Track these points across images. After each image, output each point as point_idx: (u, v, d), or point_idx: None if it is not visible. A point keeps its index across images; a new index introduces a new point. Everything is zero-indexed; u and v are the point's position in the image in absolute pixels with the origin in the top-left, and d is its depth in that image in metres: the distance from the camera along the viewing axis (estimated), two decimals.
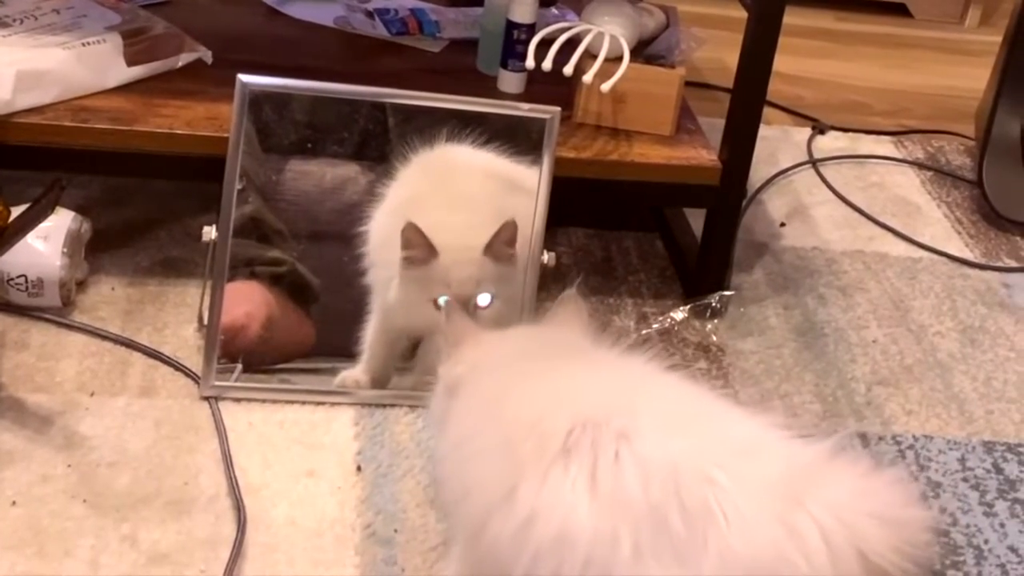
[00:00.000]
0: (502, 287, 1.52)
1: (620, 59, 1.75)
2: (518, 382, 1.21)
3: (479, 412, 1.21)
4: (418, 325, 1.55)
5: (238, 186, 1.59)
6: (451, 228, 1.51)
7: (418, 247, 1.49)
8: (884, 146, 2.48)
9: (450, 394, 1.27)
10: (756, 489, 1.05)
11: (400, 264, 1.51)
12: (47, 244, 1.64)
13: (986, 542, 1.53)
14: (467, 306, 1.47)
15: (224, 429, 1.51)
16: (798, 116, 2.54)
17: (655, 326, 1.81)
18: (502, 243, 1.52)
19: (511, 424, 1.15)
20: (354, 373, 1.61)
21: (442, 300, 1.46)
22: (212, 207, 1.64)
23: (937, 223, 2.23)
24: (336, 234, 1.69)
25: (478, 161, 1.63)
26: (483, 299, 1.50)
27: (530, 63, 1.74)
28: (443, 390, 1.29)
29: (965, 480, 1.62)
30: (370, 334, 1.61)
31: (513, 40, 1.82)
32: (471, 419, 1.22)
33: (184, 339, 1.66)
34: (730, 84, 1.82)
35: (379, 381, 1.61)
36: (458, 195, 1.59)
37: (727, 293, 1.86)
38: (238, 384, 1.58)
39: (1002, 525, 1.56)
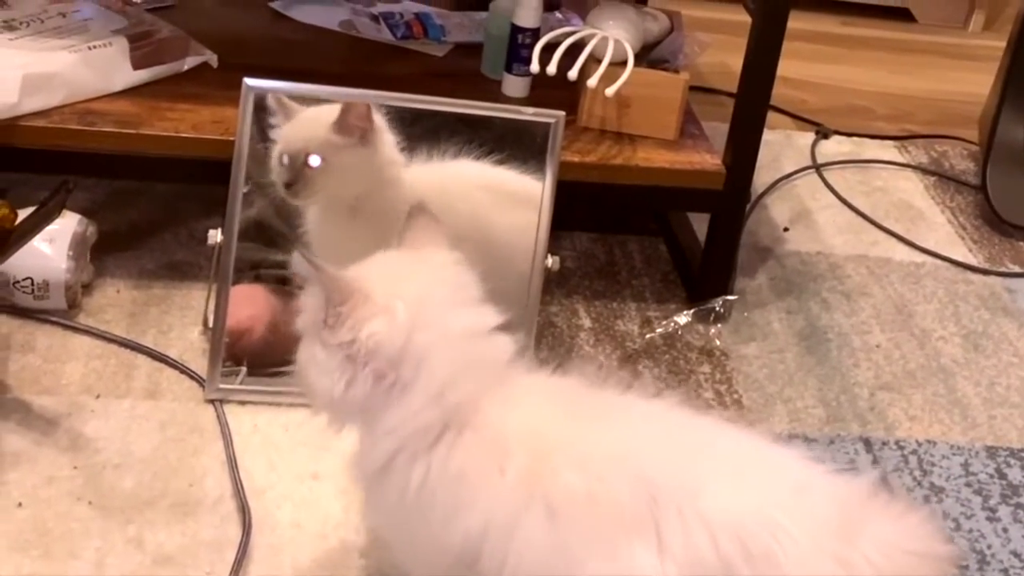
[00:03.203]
0: (340, 156, 1.58)
1: (624, 63, 1.75)
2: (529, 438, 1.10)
3: (483, 475, 1.09)
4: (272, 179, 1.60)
5: (243, 189, 1.59)
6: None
7: (279, 113, 1.60)
8: (888, 151, 2.49)
9: (361, 360, 1.10)
10: (812, 528, 1.05)
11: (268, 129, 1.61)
12: (53, 247, 1.64)
13: (989, 547, 1.53)
14: (296, 161, 1.57)
15: (229, 432, 1.52)
16: (802, 120, 2.55)
17: (659, 330, 1.82)
18: (350, 118, 1.57)
19: (557, 497, 1.06)
20: None
21: (284, 159, 1.56)
22: (217, 210, 1.65)
23: (940, 228, 2.24)
24: None
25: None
26: (314, 160, 1.57)
27: (535, 67, 1.75)
28: (348, 358, 1.11)
29: (968, 485, 1.63)
30: None
31: (518, 44, 1.83)
32: (466, 486, 1.09)
33: (189, 342, 1.67)
34: (734, 88, 1.83)
35: None
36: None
37: (730, 297, 1.86)
38: (243, 387, 1.59)
39: (1005, 530, 1.56)
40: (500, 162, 1.66)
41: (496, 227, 1.67)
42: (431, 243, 1.19)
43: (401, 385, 1.11)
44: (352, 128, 1.58)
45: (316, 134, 1.58)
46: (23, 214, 1.49)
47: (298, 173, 1.57)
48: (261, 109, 1.60)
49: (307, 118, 1.60)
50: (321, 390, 1.14)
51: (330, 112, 1.59)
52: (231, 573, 1.34)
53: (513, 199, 1.68)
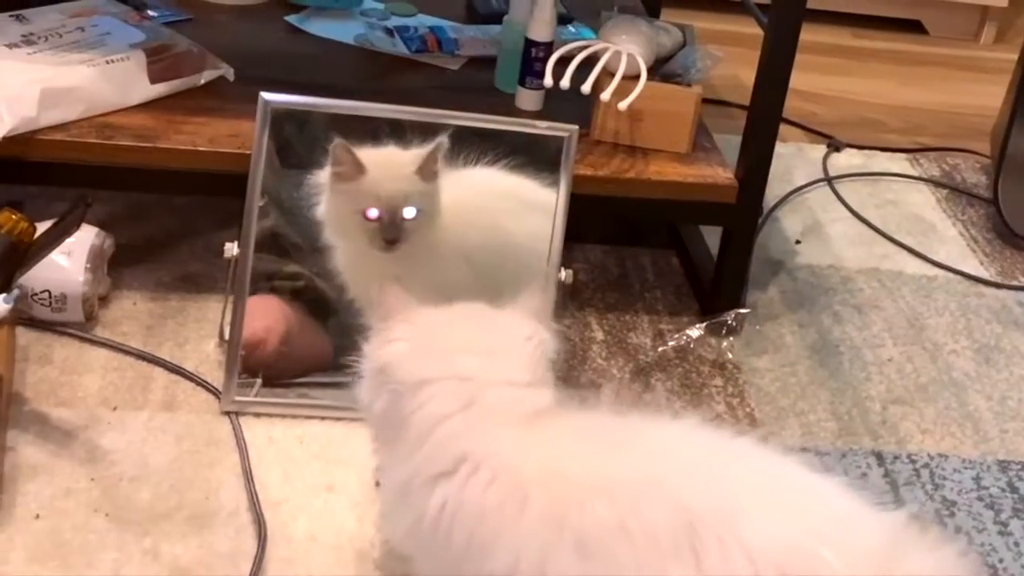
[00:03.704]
0: (426, 201, 1.58)
1: (637, 77, 1.76)
2: (565, 469, 1.09)
3: (502, 516, 1.07)
4: (348, 236, 1.59)
5: (259, 203, 1.60)
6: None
7: (347, 163, 1.55)
8: (899, 164, 2.49)
9: (379, 378, 1.15)
10: (853, 560, 1.02)
11: (328, 179, 1.57)
12: (70, 259, 1.66)
13: (1001, 561, 1.53)
14: (396, 216, 1.54)
15: (244, 444, 1.53)
16: (814, 133, 2.55)
17: (671, 343, 1.82)
18: (432, 162, 1.57)
19: (587, 530, 1.04)
20: None
21: (371, 213, 1.54)
22: (232, 222, 1.66)
23: (952, 241, 2.24)
24: None
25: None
26: (410, 212, 1.55)
27: (548, 81, 1.76)
28: (371, 373, 1.17)
29: (980, 499, 1.63)
30: None
31: (531, 58, 1.84)
32: (492, 517, 1.08)
33: (205, 354, 1.68)
34: (746, 101, 1.83)
35: None
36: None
37: (743, 311, 1.86)
38: (258, 399, 1.60)
39: (1016, 544, 1.56)
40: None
41: (514, 235, 1.68)
42: (529, 310, 1.21)
43: (407, 413, 1.13)
44: (432, 172, 1.58)
45: (410, 185, 1.56)
46: (42, 227, 1.50)
47: (399, 228, 1.55)
48: (276, 123, 1.61)
49: (388, 168, 1.56)
50: (358, 398, 1.20)
51: (405, 158, 1.57)
52: None
53: (531, 207, 1.69)
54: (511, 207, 1.68)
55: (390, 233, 1.55)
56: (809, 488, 1.08)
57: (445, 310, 1.22)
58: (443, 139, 1.58)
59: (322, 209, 1.60)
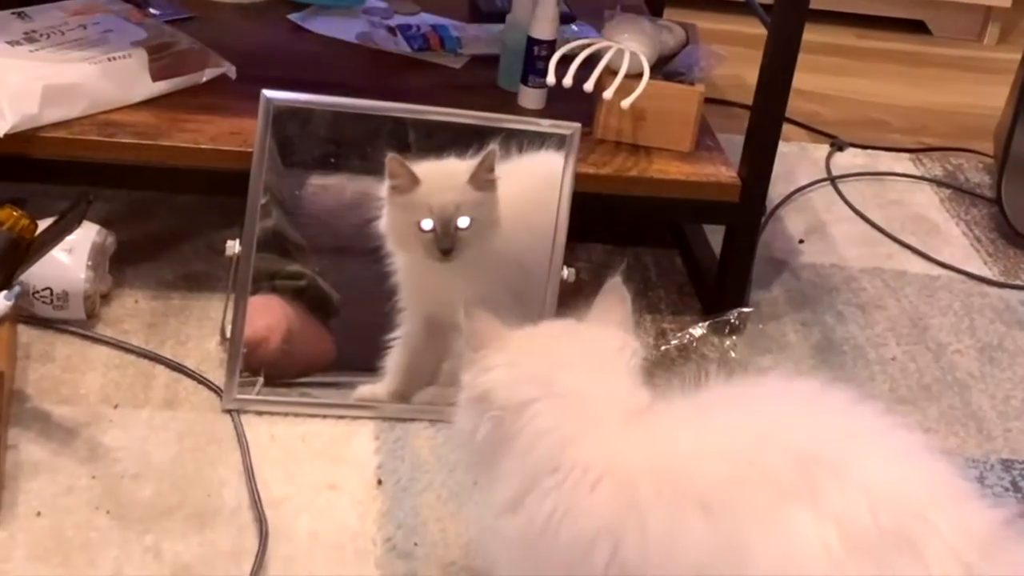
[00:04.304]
0: (481, 211, 1.59)
1: (640, 76, 1.76)
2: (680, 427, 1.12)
3: (616, 512, 1.08)
4: (406, 247, 1.61)
5: (261, 201, 1.60)
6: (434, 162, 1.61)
7: (402, 176, 1.57)
8: (903, 163, 2.49)
9: (479, 406, 1.17)
10: (958, 539, 1.03)
11: (387, 193, 1.59)
12: (72, 257, 1.65)
13: None
14: (449, 227, 1.56)
15: (246, 442, 1.53)
16: (817, 133, 2.55)
17: (674, 342, 1.82)
18: (484, 172, 1.58)
19: (707, 491, 1.05)
20: (372, 387, 1.62)
21: (425, 224, 1.56)
22: (235, 221, 1.66)
23: (956, 241, 2.24)
24: (357, 249, 1.70)
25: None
26: (463, 222, 1.57)
27: (551, 79, 1.75)
28: (470, 403, 1.19)
29: (983, 498, 1.62)
30: (395, 348, 1.63)
31: (534, 56, 1.84)
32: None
33: (207, 352, 1.67)
34: (749, 101, 1.83)
35: (403, 397, 1.62)
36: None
37: (746, 310, 1.86)
38: (260, 397, 1.60)
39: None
40: None
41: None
42: (613, 321, 1.22)
43: (512, 434, 1.14)
44: (486, 181, 1.59)
45: (463, 195, 1.58)
46: (43, 225, 1.50)
47: (453, 238, 1.57)
48: (278, 121, 1.61)
49: (441, 178, 1.59)
50: (457, 430, 1.21)
51: (459, 168, 1.59)
52: None
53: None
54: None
55: (444, 243, 1.57)
56: (920, 449, 1.10)
57: (535, 331, 1.24)
58: (494, 147, 1.59)
59: (383, 221, 1.62)
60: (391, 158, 1.57)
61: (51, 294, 1.65)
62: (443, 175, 1.59)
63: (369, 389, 1.63)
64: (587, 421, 1.13)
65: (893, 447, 1.09)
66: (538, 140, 1.66)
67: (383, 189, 1.60)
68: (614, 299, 1.24)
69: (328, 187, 1.71)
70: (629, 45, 1.79)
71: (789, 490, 1.03)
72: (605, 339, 1.20)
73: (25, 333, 1.65)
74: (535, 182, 1.67)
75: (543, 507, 1.11)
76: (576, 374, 1.16)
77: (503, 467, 1.16)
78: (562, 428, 1.13)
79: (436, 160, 1.61)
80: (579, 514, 1.09)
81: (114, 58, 1.73)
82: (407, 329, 1.64)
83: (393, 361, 1.64)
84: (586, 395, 1.15)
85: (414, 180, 1.57)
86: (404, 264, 1.63)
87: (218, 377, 1.62)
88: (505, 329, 1.21)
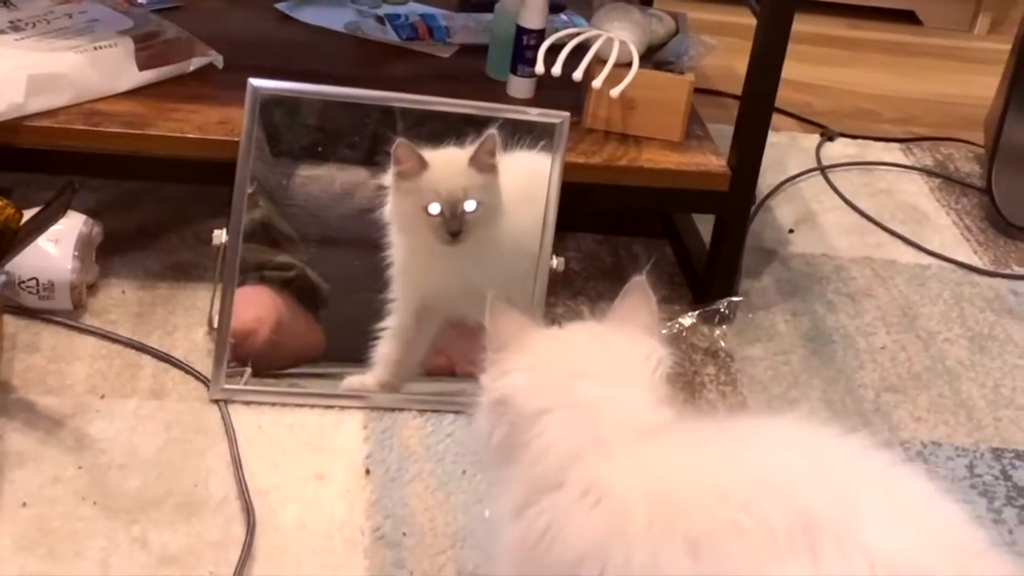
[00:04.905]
0: (486, 194, 1.59)
1: (629, 65, 1.75)
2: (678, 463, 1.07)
3: (609, 530, 1.06)
4: (413, 232, 1.61)
5: (248, 190, 1.60)
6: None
7: (409, 161, 1.57)
8: (893, 153, 2.48)
9: (497, 409, 1.14)
10: None
11: (393, 179, 1.59)
12: (58, 247, 1.65)
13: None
14: (456, 210, 1.57)
15: (234, 432, 1.52)
16: (807, 123, 2.54)
17: (663, 332, 1.82)
18: (484, 154, 1.59)
19: (699, 531, 1.01)
20: (361, 377, 1.62)
21: (433, 208, 1.57)
22: (222, 211, 1.65)
23: (946, 230, 2.23)
24: (345, 239, 1.70)
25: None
26: (470, 205, 1.57)
27: (540, 68, 1.75)
28: (488, 405, 1.16)
29: (973, 487, 1.62)
30: (385, 339, 1.63)
31: (523, 45, 1.83)
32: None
33: (194, 342, 1.67)
34: (739, 91, 1.83)
35: (392, 387, 1.62)
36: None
37: (735, 299, 1.86)
38: (248, 387, 1.59)
39: (1010, 532, 1.56)
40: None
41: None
42: (637, 321, 1.19)
43: (526, 440, 1.12)
44: (488, 164, 1.59)
45: (468, 179, 1.58)
46: (28, 214, 1.49)
47: (460, 221, 1.58)
48: (266, 111, 1.60)
49: (448, 163, 1.59)
50: (475, 431, 1.19)
51: (461, 154, 1.60)
52: (235, 573, 1.34)
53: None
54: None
55: (452, 226, 1.57)
56: (931, 501, 1.04)
57: (559, 333, 1.21)
58: (493, 131, 1.60)
59: (387, 209, 1.62)
60: (399, 143, 1.57)
61: (37, 284, 1.64)
62: (448, 160, 1.59)
63: (358, 380, 1.62)
64: (597, 438, 1.10)
65: (902, 503, 1.03)
66: (527, 130, 1.65)
67: (388, 176, 1.60)
68: (639, 299, 1.20)
69: (317, 177, 1.70)
70: (618, 34, 1.79)
71: (786, 546, 0.98)
72: (632, 346, 1.16)
73: (11, 323, 1.64)
74: (531, 173, 1.67)
75: (540, 521, 1.09)
76: (596, 384, 1.13)
77: (512, 472, 1.14)
78: (571, 443, 1.10)
79: (436, 148, 1.60)
80: (571, 534, 1.07)
81: (100, 47, 1.73)
82: (398, 321, 1.63)
83: (382, 352, 1.63)
84: (602, 408, 1.11)
85: (422, 164, 1.57)
86: (406, 251, 1.63)
87: (205, 367, 1.61)
88: (530, 328, 1.17)
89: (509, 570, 1.15)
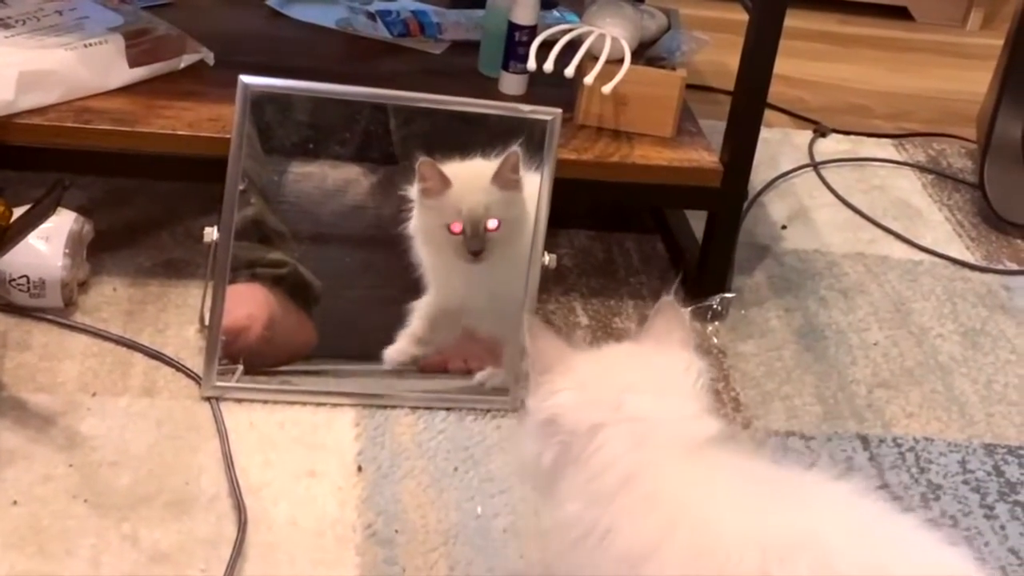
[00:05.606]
0: (509, 210, 1.60)
1: (621, 61, 1.75)
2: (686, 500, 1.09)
3: (646, 548, 1.08)
4: (436, 248, 1.62)
5: (240, 187, 1.59)
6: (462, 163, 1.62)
7: (432, 179, 1.58)
8: (885, 149, 2.48)
9: (546, 430, 1.15)
10: None
11: (417, 195, 1.60)
12: (49, 245, 1.64)
13: (986, 544, 1.53)
14: (478, 228, 1.58)
15: (225, 429, 1.52)
16: (799, 119, 2.54)
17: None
18: (507, 171, 1.59)
19: (728, 572, 1.03)
20: (396, 346, 1.63)
21: (455, 226, 1.58)
22: (214, 208, 1.65)
23: (938, 226, 2.24)
24: (338, 236, 1.70)
25: None
26: (492, 223, 1.59)
27: (531, 65, 1.75)
28: (536, 427, 1.17)
29: (966, 483, 1.62)
30: (420, 306, 1.64)
31: (515, 42, 1.83)
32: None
33: (186, 340, 1.66)
34: (731, 87, 1.82)
35: (427, 342, 1.64)
36: None
37: (728, 295, 1.86)
38: (239, 385, 1.59)
39: (1003, 527, 1.56)
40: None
41: None
42: (670, 339, 1.20)
43: (575, 459, 1.13)
44: (510, 181, 1.59)
45: (490, 196, 1.59)
46: (18, 212, 1.49)
47: (482, 239, 1.58)
48: (257, 107, 1.60)
49: (470, 181, 1.59)
50: (522, 455, 1.20)
51: (485, 169, 1.60)
52: (227, 570, 1.33)
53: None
54: None
55: (474, 245, 1.58)
56: (920, 546, 1.05)
57: (599, 353, 1.22)
58: (516, 148, 1.59)
59: (413, 224, 1.62)
60: (423, 161, 1.57)
61: (28, 282, 1.64)
62: (470, 177, 1.59)
63: (395, 349, 1.63)
64: (656, 449, 1.11)
65: (877, 542, 1.04)
66: (519, 126, 1.65)
67: (413, 192, 1.60)
68: (670, 316, 1.22)
69: (309, 174, 1.70)
70: (611, 30, 1.79)
71: None
72: (670, 360, 1.18)
73: (2, 321, 1.64)
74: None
75: (599, 524, 1.10)
76: (644, 398, 1.14)
77: (565, 488, 1.14)
78: (632, 455, 1.11)
79: (461, 161, 1.61)
80: (625, 539, 1.08)
81: (90, 44, 1.72)
82: (431, 300, 1.64)
83: (417, 316, 1.64)
84: (655, 420, 1.12)
85: (445, 183, 1.58)
86: (430, 265, 1.64)
87: (197, 365, 1.61)
88: (569, 350, 1.19)
89: (567, 570, 1.16)
